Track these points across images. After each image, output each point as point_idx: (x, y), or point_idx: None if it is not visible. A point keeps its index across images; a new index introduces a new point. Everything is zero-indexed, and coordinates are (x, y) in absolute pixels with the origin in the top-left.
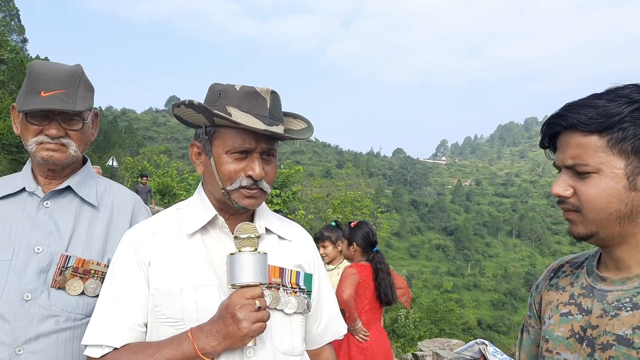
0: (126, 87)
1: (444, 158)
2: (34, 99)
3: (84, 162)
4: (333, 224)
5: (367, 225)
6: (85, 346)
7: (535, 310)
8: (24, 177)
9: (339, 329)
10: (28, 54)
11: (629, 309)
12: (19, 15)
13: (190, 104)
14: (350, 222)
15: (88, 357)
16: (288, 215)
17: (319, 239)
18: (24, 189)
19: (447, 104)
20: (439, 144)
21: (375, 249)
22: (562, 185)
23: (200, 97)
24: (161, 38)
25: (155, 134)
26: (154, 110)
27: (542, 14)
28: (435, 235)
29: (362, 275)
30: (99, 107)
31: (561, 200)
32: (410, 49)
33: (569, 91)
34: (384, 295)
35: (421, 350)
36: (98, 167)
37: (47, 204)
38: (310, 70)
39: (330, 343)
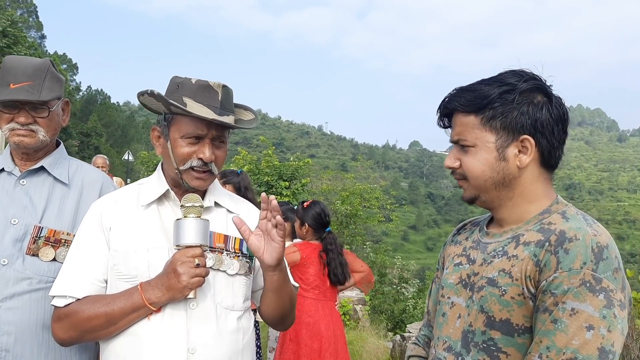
0: (143, 83)
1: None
2: (3, 91)
3: (58, 145)
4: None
5: (319, 205)
6: (53, 297)
7: (441, 264)
8: (3, 159)
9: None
10: (46, 50)
11: (500, 256)
12: (37, 11)
13: (151, 94)
14: (303, 202)
15: (54, 306)
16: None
17: None
18: (2, 169)
19: None
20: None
21: (327, 229)
22: (452, 159)
23: None
24: (175, 33)
25: None
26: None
27: (560, 2)
28: (452, 228)
29: (305, 253)
30: (117, 102)
31: (452, 171)
32: (426, 40)
33: (588, 81)
34: (334, 275)
35: (409, 332)
36: (105, 157)
37: (23, 182)
38: (325, 64)
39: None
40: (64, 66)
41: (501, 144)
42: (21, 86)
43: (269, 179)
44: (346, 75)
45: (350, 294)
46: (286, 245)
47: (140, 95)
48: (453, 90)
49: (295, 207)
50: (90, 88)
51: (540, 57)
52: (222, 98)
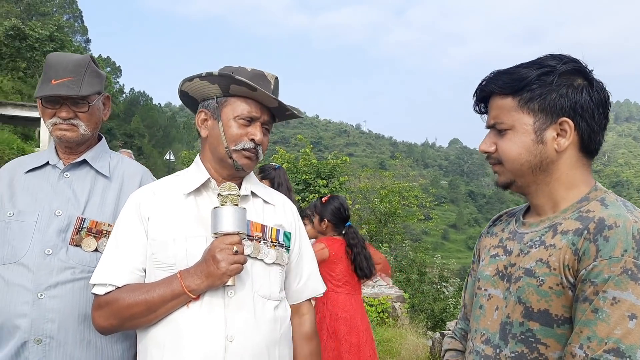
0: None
1: None
2: (45, 87)
3: (100, 139)
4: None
5: (337, 200)
6: (93, 285)
7: (476, 256)
8: (48, 153)
9: (318, 287)
10: (91, 54)
11: (537, 245)
12: (82, 16)
13: (209, 75)
14: (321, 197)
15: (95, 294)
16: None
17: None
18: (48, 163)
19: None
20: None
21: (347, 223)
22: (487, 143)
23: None
24: (215, 34)
25: None
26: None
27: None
28: None
29: (333, 249)
30: (158, 103)
31: (488, 155)
32: (466, 36)
33: (637, 75)
34: (360, 270)
35: (449, 330)
36: (130, 152)
37: (66, 174)
38: (362, 62)
39: (309, 300)
40: (108, 69)
41: (539, 127)
42: (62, 82)
43: (307, 177)
44: (384, 73)
45: (389, 292)
46: (312, 242)
47: (188, 80)
48: (490, 74)
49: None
50: (133, 90)
51: (586, 51)
52: (273, 88)
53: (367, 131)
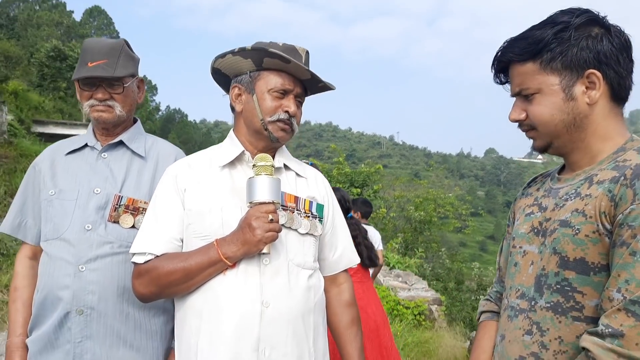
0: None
1: (540, 156)
2: (82, 69)
3: (135, 122)
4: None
5: (339, 192)
6: (133, 254)
7: (511, 219)
8: (86, 136)
9: (353, 257)
10: (125, 39)
11: (572, 198)
12: (118, 37)
13: (241, 50)
14: None
15: (134, 263)
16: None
17: None
18: (86, 145)
19: None
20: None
21: (349, 215)
22: (517, 111)
23: None
24: None
25: None
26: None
27: None
28: None
29: None
30: (193, 120)
31: (520, 123)
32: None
33: None
34: (368, 259)
35: None
36: None
37: (104, 155)
38: (394, 73)
39: (346, 270)
40: (145, 87)
41: (567, 84)
42: (97, 64)
43: (341, 186)
44: (417, 84)
45: (425, 294)
46: None
47: (221, 57)
48: (505, 42)
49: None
50: (169, 107)
51: None
52: (304, 60)
53: (401, 142)
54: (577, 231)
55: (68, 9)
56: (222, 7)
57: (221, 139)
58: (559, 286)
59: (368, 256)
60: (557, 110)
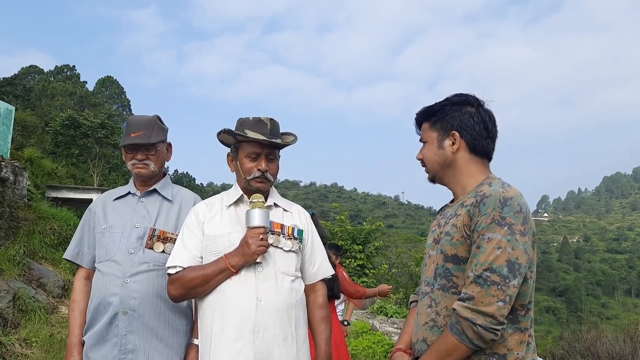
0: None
1: (546, 214)
2: (127, 138)
3: (164, 175)
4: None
5: (321, 230)
6: (168, 267)
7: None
8: (129, 186)
9: (328, 270)
10: (157, 115)
11: (452, 216)
12: (130, 105)
13: (225, 131)
14: None
15: (168, 274)
16: (372, 271)
17: None
18: (129, 192)
19: (544, 157)
20: (539, 199)
21: None
22: (419, 153)
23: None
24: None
25: None
26: None
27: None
28: (543, 296)
29: None
30: (201, 183)
31: (420, 162)
32: (498, 105)
33: None
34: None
35: None
36: None
37: (142, 200)
38: (397, 135)
39: (322, 280)
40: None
41: (439, 138)
42: (138, 134)
43: (343, 243)
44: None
45: None
46: None
47: (218, 134)
48: (421, 108)
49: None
50: (177, 171)
51: (625, 111)
52: (270, 127)
53: (406, 202)
54: (452, 237)
55: (81, 79)
56: (228, 76)
57: None
58: (444, 274)
59: (331, 288)
60: (434, 154)
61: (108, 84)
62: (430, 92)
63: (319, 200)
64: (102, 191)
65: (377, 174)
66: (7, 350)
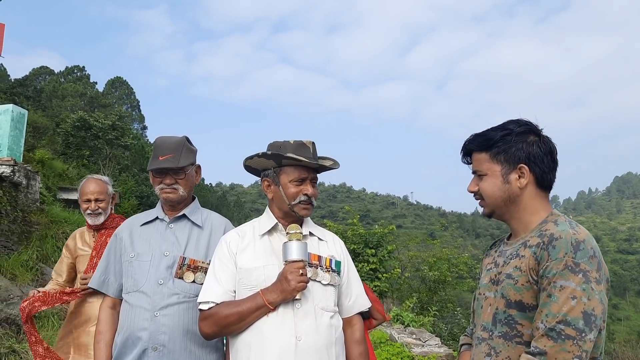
0: (233, 164)
1: None
2: (155, 162)
3: (193, 199)
4: None
5: None
6: (199, 303)
7: (480, 274)
8: (157, 210)
9: (364, 303)
10: (147, 140)
11: (514, 257)
12: (139, 106)
13: (264, 155)
14: None
15: (200, 310)
16: (384, 275)
17: None
18: (157, 217)
19: None
20: (549, 200)
21: None
22: (472, 185)
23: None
24: (261, 116)
25: (261, 206)
26: (259, 183)
27: None
28: None
29: None
30: (209, 183)
31: (474, 194)
32: (508, 105)
33: None
34: None
35: None
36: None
37: (171, 226)
38: (406, 135)
39: (359, 313)
40: None
41: (505, 172)
42: (166, 158)
43: (356, 247)
44: (428, 144)
45: (438, 350)
46: None
47: (249, 158)
48: (470, 136)
49: None
50: None
51: (636, 110)
52: (312, 151)
53: (415, 202)
54: (516, 281)
55: (91, 80)
56: (235, 77)
57: (237, 202)
58: (506, 320)
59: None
60: (497, 189)
61: (118, 84)
62: (440, 92)
63: (328, 200)
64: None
65: (386, 173)
66: (21, 358)
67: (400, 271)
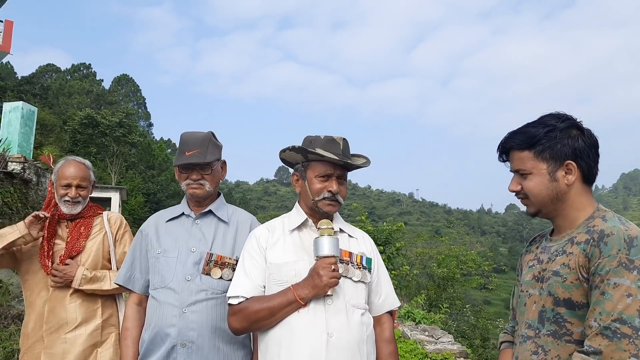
0: (239, 161)
1: None
2: (181, 157)
3: (219, 195)
4: None
5: None
6: (229, 297)
7: (519, 270)
8: (182, 206)
9: (394, 302)
10: (153, 137)
11: (560, 254)
12: (145, 103)
13: (293, 148)
14: None
15: (230, 304)
16: (393, 272)
17: None
18: (183, 213)
19: None
20: None
21: None
22: (514, 184)
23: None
24: (267, 113)
25: (266, 203)
26: (264, 180)
27: None
28: None
29: None
30: None
31: (516, 193)
32: (514, 101)
33: None
34: None
35: None
36: (82, 165)
37: (197, 222)
38: (411, 132)
39: (389, 312)
40: (169, 150)
41: (551, 170)
42: (192, 153)
43: None
44: (434, 142)
45: (452, 347)
46: None
47: (283, 151)
48: (508, 134)
49: None
50: None
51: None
52: (342, 147)
53: (421, 199)
54: (565, 279)
55: (98, 77)
56: (240, 74)
57: (243, 198)
58: (554, 319)
59: None
60: (543, 187)
61: (124, 82)
62: (445, 89)
63: None
64: (120, 190)
65: (391, 171)
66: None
67: (409, 268)
